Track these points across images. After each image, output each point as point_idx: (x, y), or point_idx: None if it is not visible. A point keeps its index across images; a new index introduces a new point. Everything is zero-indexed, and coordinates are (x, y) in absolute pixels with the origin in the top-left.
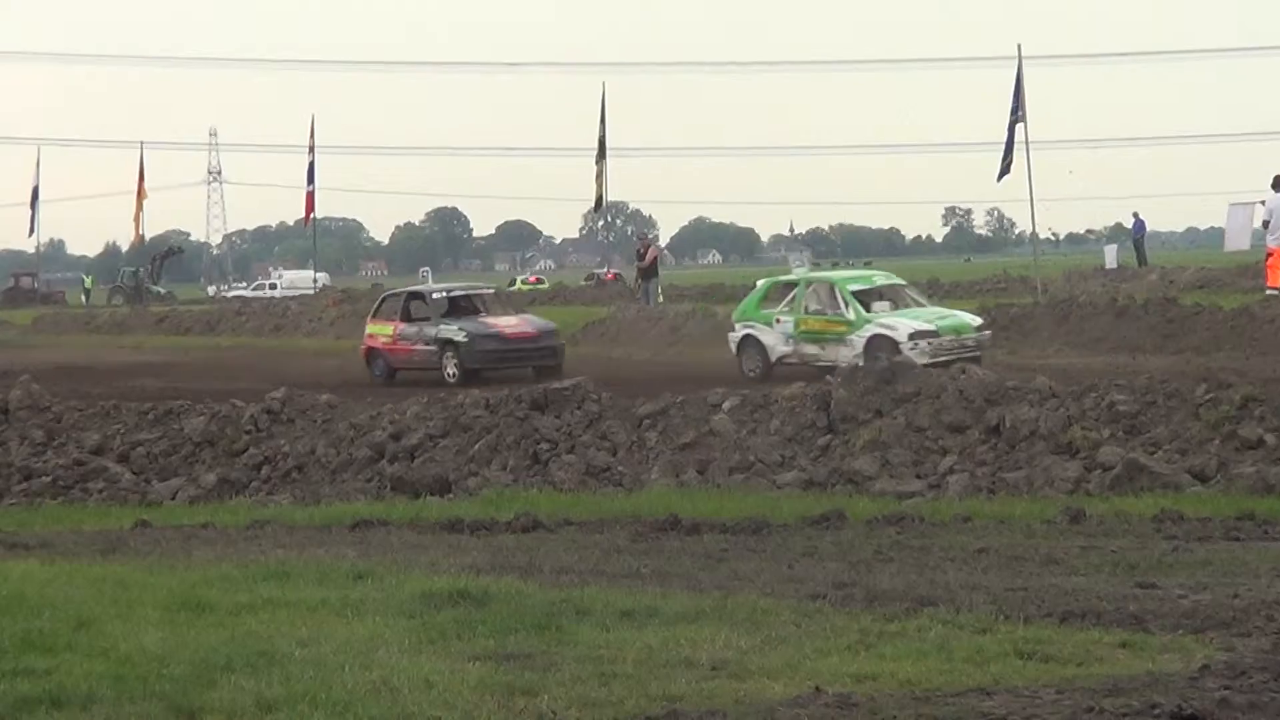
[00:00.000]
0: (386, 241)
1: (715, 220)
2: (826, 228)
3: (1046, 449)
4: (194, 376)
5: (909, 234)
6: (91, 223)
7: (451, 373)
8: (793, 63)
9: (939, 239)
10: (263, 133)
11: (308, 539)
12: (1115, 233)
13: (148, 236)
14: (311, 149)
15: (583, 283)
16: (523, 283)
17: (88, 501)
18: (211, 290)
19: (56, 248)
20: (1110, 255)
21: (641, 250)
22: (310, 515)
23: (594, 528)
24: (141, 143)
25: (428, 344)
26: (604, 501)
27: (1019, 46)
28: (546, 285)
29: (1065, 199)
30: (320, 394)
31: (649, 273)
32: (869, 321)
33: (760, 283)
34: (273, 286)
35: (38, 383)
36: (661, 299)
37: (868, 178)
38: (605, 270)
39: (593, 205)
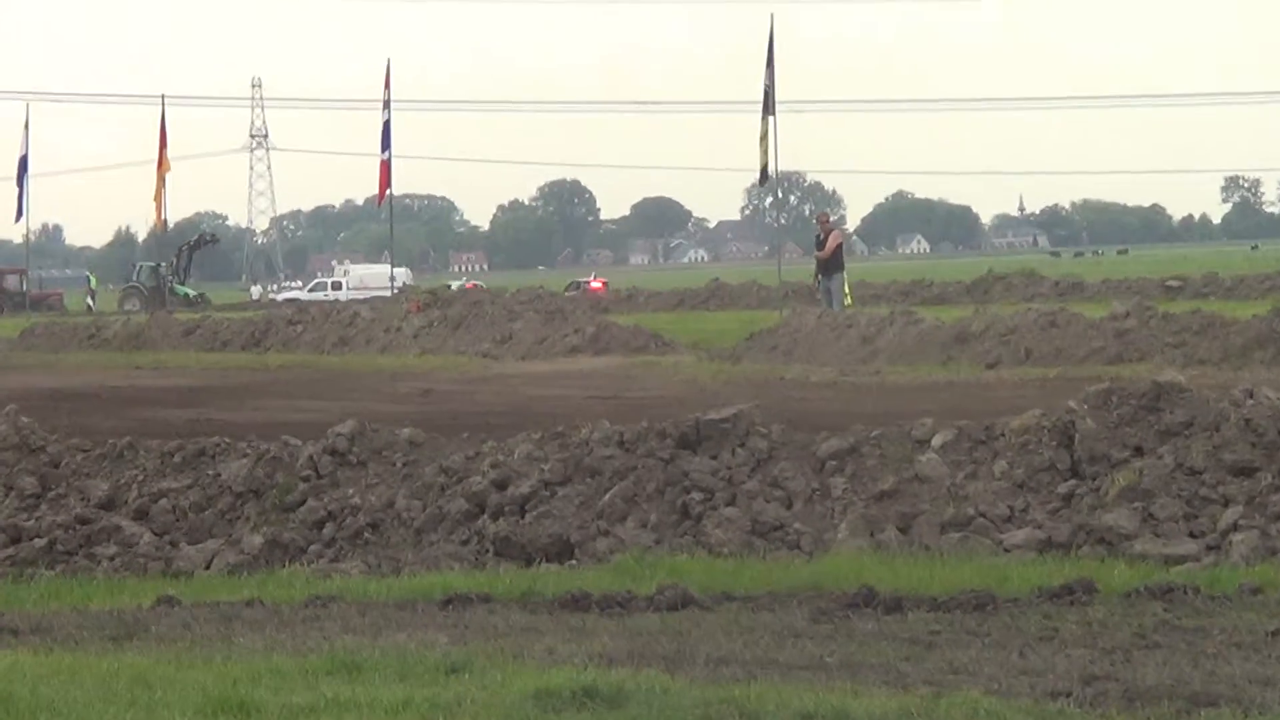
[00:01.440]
0: (485, 226)
1: (919, 195)
2: (1067, 205)
3: None
4: (234, 405)
5: (1176, 213)
6: (98, 203)
7: None
8: None
9: (1216, 219)
10: (322, 84)
11: (385, 620)
12: None
13: (172, 221)
14: (386, 105)
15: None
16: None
17: (95, 571)
18: (256, 291)
19: (52, 236)
20: None
21: (821, 236)
22: (388, 588)
23: (763, 604)
24: (163, 96)
25: None
26: (775, 569)
27: None
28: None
29: None
30: (400, 428)
31: (831, 266)
32: None
33: None
34: (336, 286)
35: (28, 414)
36: (850, 300)
37: (1122, 139)
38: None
39: (757, 177)
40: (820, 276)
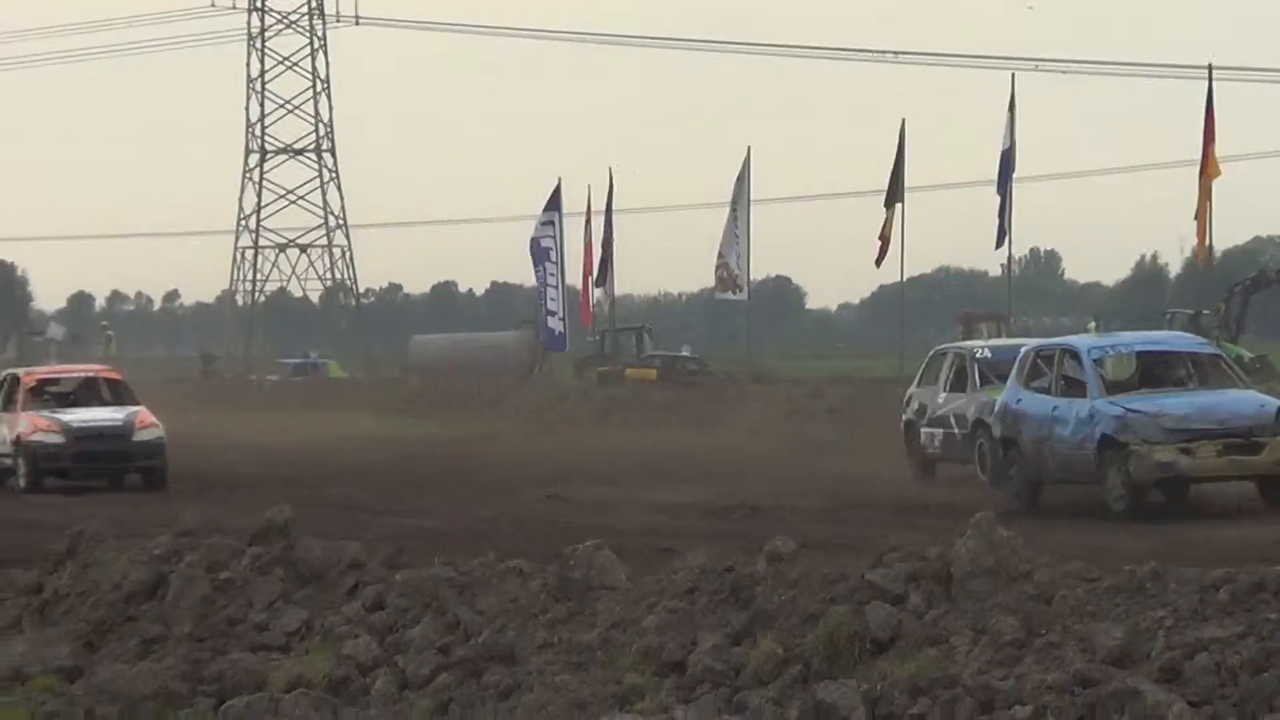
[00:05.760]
0: None
1: None
2: None
3: None
4: None
5: None
6: (1107, 220)
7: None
8: None
9: None
10: None
11: None
12: None
13: (1219, 249)
14: None
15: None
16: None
17: None
18: None
19: (1044, 267)
20: None
21: None
22: None
23: None
24: (1209, 66)
25: None
26: None
27: None
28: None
29: None
30: None
31: None
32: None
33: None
34: None
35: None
36: None
37: None
38: None
39: None
40: None
